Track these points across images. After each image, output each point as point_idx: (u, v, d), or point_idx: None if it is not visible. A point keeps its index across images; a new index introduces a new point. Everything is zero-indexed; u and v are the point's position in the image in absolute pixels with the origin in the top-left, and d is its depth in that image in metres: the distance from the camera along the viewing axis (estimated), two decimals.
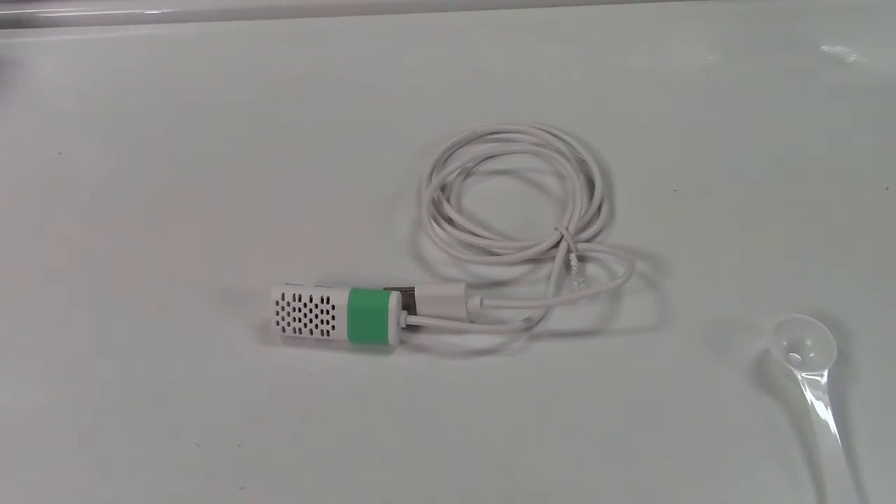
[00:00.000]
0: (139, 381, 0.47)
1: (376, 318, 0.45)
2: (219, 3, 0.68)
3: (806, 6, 0.64)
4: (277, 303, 0.46)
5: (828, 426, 0.41)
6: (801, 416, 0.42)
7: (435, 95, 0.61)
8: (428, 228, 0.51)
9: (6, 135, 0.61)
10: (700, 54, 0.63)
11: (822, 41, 0.62)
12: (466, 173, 0.55)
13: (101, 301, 0.50)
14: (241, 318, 0.48)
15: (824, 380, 0.42)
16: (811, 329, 0.44)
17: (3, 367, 0.48)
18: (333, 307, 0.45)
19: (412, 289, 0.46)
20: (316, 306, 0.45)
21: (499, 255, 0.50)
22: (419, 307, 0.46)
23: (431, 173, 0.54)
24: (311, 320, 0.46)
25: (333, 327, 0.45)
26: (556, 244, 0.49)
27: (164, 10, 0.68)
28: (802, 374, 0.42)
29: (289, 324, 0.46)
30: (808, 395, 0.42)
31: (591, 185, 0.53)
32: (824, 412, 0.41)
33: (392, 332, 0.45)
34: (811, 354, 0.43)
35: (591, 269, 0.50)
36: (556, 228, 0.49)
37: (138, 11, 0.68)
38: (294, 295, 0.46)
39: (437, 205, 0.53)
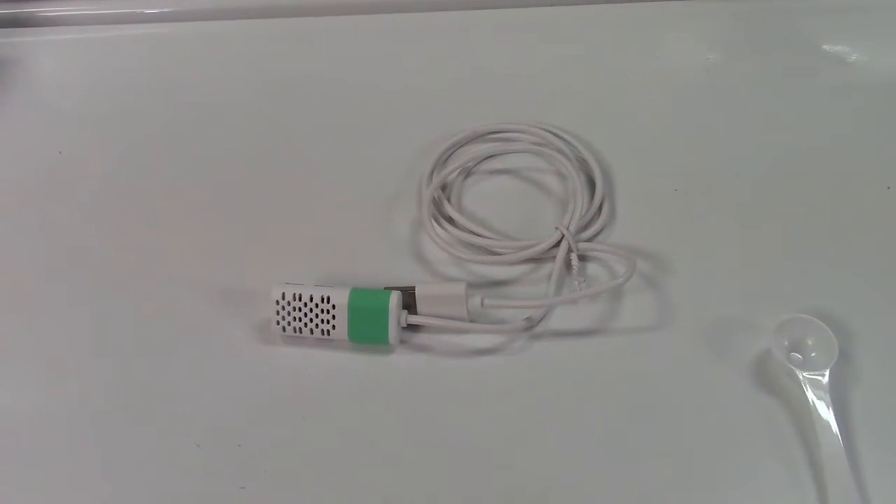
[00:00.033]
0: (139, 381, 0.47)
1: (377, 318, 0.45)
2: (218, 2, 0.68)
3: (806, 5, 0.64)
4: (278, 302, 0.46)
5: (829, 426, 0.41)
6: (803, 416, 0.42)
7: (435, 95, 0.61)
8: (428, 228, 0.51)
9: (6, 134, 0.61)
10: (700, 54, 0.63)
11: (823, 40, 0.62)
12: (467, 173, 0.55)
13: (101, 301, 0.50)
14: (241, 318, 0.48)
15: (826, 379, 0.42)
16: (812, 329, 0.44)
17: (3, 367, 0.48)
18: (334, 307, 0.45)
19: (412, 288, 0.46)
20: (316, 306, 0.45)
21: (499, 254, 0.50)
22: (420, 307, 0.46)
23: (432, 173, 0.54)
24: (311, 320, 0.46)
25: (334, 327, 0.45)
26: (557, 243, 0.49)
27: (164, 10, 0.68)
28: (804, 374, 0.42)
29: (289, 323, 0.46)
30: (810, 395, 0.42)
31: (591, 184, 0.53)
32: (826, 412, 0.41)
33: (392, 332, 0.45)
34: (812, 354, 0.43)
35: (591, 268, 0.50)
36: (556, 228, 0.49)
37: (138, 10, 0.68)
38: (294, 294, 0.46)
39: (437, 204, 0.53)
